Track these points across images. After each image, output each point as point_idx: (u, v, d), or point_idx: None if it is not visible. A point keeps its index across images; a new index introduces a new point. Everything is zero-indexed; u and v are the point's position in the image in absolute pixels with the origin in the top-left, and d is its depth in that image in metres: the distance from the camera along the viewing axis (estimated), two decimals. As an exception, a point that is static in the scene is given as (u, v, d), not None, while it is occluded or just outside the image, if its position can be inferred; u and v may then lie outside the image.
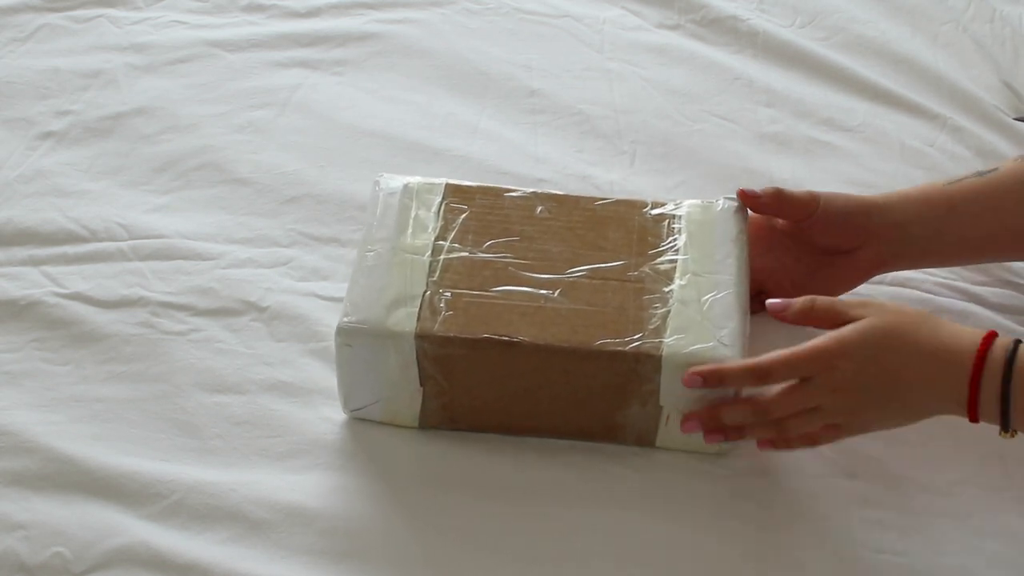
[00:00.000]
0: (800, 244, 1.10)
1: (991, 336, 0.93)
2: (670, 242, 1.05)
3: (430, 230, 1.04)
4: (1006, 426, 0.92)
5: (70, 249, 1.17)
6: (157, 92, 1.35)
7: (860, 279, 1.10)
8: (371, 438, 1.02)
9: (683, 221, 1.06)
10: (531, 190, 1.09)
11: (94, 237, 1.18)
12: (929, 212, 1.08)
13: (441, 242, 1.04)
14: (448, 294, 1.00)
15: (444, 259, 1.02)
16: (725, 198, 1.08)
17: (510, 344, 0.97)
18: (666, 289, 1.01)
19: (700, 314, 0.99)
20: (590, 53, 1.43)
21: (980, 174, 1.10)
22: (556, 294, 1.00)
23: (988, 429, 1.05)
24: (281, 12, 1.46)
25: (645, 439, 1.01)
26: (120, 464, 0.99)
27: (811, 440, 0.97)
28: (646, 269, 1.03)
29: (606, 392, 0.99)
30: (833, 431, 0.97)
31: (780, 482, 1.01)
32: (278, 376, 1.07)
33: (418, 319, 0.98)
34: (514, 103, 1.36)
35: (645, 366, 0.97)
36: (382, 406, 1.01)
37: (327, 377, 1.06)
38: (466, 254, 1.03)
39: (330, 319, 1.10)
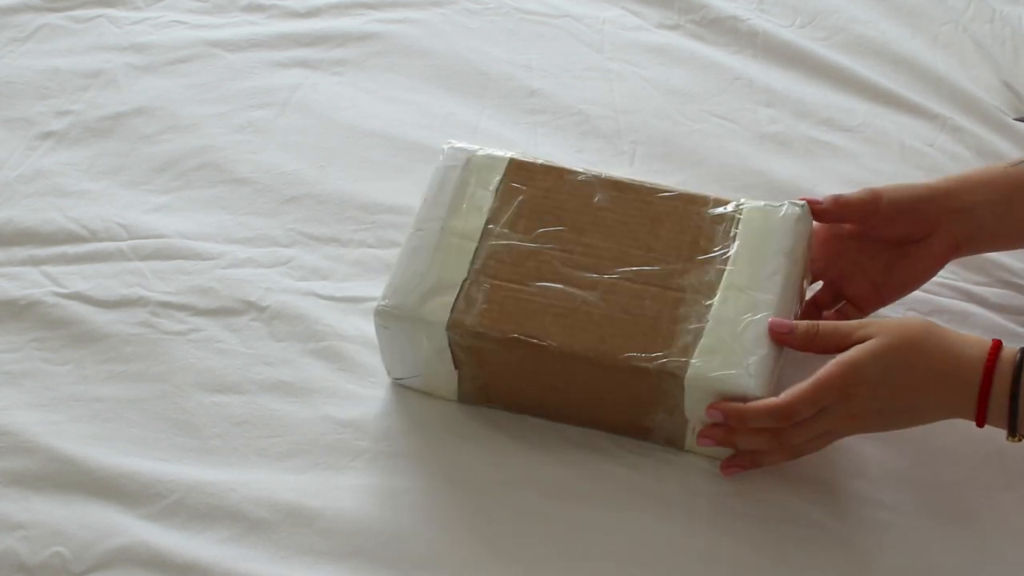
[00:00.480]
0: (871, 242, 1.09)
1: (997, 347, 0.93)
2: (721, 250, 1.02)
3: (484, 211, 1.03)
4: (1014, 431, 0.93)
5: (70, 249, 1.17)
6: (157, 92, 1.35)
7: (937, 266, 1.09)
8: (371, 438, 1.02)
9: (740, 226, 1.03)
10: (595, 172, 1.07)
11: (94, 237, 1.18)
12: (995, 195, 1.07)
13: (491, 226, 1.03)
14: (487, 285, 0.99)
15: (491, 245, 1.02)
16: (790, 203, 1.04)
17: (538, 346, 0.97)
18: (706, 303, 0.99)
19: (733, 336, 0.97)
20: (590, 53, 1.43)
21: None
22: (594, 296, 0.99)
23: (987, 429, 1.05)
24: (281, 12, 1.46)
25: (674, 442, 1.01)
26: (120, 464, 0.99)
27: (816, 444, 0.98)
28: (691, 278, 1.00)
29: (632, 399, 0.99)
30: (829, 440, 0.98)
31: (781, 482, 1.01)
32: (278, 376, 1.07)
33: (452, 310, 0.98)
34: (514, 103, 1.36)
35: (669, 384, 0.97)
36: (422, 380, 1.04)
37: (327, 377, 1.06)
38: (514, 242, 1.02)
39: (330, 318, 1.11)
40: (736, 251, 1.02)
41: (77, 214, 1.20)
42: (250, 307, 1.12)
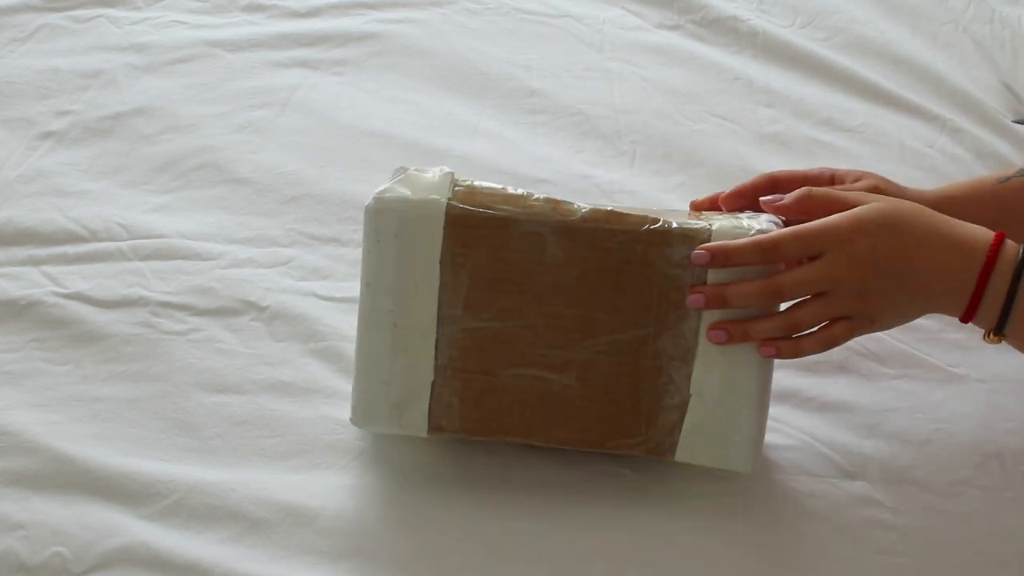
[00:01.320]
0: None
1: (1002, 235, 0.93)
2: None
3: (434, 291, 0.92)
4: (1000, 327, 0.91)
5: (70, 249, 1.17)
6: (157, 92, 1.35)
7: None
8: (371, 438, 1.02)
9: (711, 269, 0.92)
10: (541, 210, 0.92)
11: (94, 237, 1.18)
12: (982, 215, 1.06)
13: (446, 309, 0.93)
14: (457, 383, 0.94)
15: (451, 334, 0.93)
16: (759, 227, 0.94)
17: (522, 442, 0.97)
18: (685, 370, 0.93)
19: (717, 407, 0.94)
20: (590, 53, 1.44)
21: None
22: (570, 379, 0.94)
23: (987, 430, 1.05)
24: (281, 12, 1.46)
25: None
26: (120, 464, 0.99)
27: (823, 342, 0.94)
28: (666, 342, 0.93)
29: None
30: (844, 327, 0.94)
31: (781, 482, 1.01)
32: (278, 376, 1.06)
33: (428, 417, 0.95)
34: (514, 103, 1.36)
35: (657, 458, 0.97)
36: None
37: (327, 377, 1.06)
38: (474, 325, 0.93)
39: (330, 318, 1.10)
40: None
41: (77, 214, 1.20)
42: (250, 307, 1.12)
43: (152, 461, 0.99)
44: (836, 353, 1.10)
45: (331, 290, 1.14)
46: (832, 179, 1.09)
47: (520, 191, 0.94)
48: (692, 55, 1.43)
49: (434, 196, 0.92)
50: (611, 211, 0.93)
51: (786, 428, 1.04)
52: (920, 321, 1.14)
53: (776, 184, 1.07)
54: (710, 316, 0.93)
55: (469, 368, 0.94)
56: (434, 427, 0.95)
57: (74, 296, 1.12)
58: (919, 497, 1.01)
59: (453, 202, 0.92)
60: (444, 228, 0.92)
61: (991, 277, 0.91)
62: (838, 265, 0.92)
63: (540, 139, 1.32)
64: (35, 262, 1.15)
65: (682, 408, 0.94)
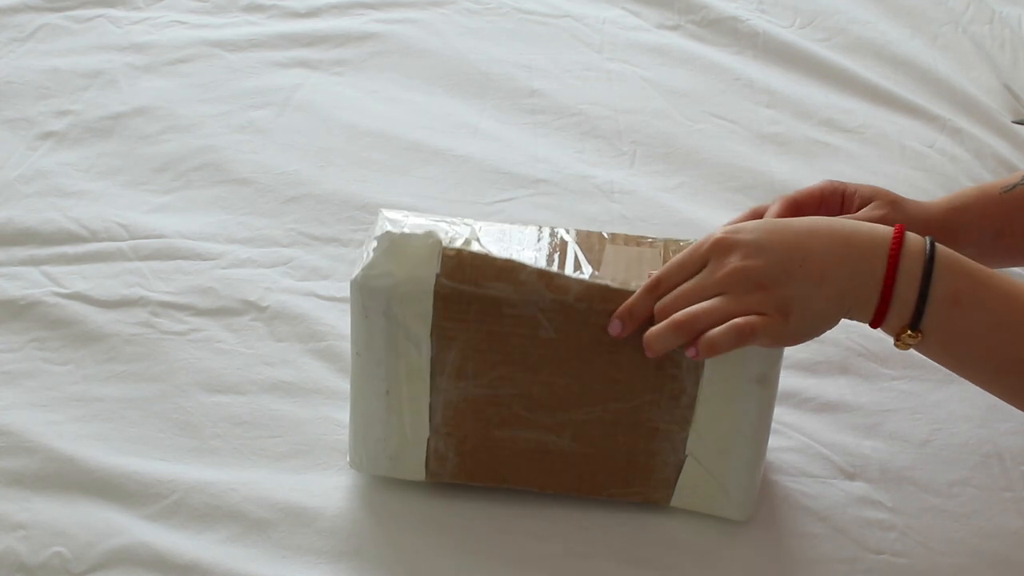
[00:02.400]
0: None
1: (902, 227, 0.88)
2: (690, 383, 0.91)
3: (425, 364, 0.91)
4: (918, 318, 0.86)
5: (70, 249, 1.17)
6: (157, 92, 1.35)
7: None
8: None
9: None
10: (534, 284, 0.89)
11: (94, 237, 1.18)
12: (988, 226, 1.06)
13: (438, 379, 0.91)
14: (453, 439, 0.94)
15: (445, 399, 0.92)
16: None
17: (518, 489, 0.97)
18: (681, 435, 0.93)
19: (711, 472, 0.94)
20: (590, 53, 1.44)
21: None
22: (565, 439, 0.93)
23: (987, 430, 1.05)
24: (281, 12, 1.47)
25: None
26: (120, 464, 0.99)
27: (733, 330, 0.86)
28: (662, 411, 0.92)
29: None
30: (761, 321, 0.87)
31: (781, 482, 1.01)
32: (278, 376, 1.06)
33: (426, 467, 0.96)
34: (514, 103, 1.36)
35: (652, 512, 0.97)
36: None
37: (327, 377, 1.06)
38: (468, 391, 0.92)
39: (330, 318, 1.10)
40: (705, 378, 0.90)
41: (77, 214, 1.20)
42: (250, 307, 1.12)
43: (152, 461, 0.99)
44: (836, 353, 1.10)
45: (331, 290, 1.14)
46: (842, 198, 1.07)
47: (514, 257, 0.90)
48: (692, 55, 1.43)
49: (422, 272, 0.89)
50: (606, 287, 0.89)
51: (786, 428, 1.04)
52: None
53: (800, 209, 1.04)
54: (707, 385, 0.90)
55: (463, 428, 0.94)
56: (432, 475, 0.96)
57: (74, 296, 1.12)
58: (918, 497, 1.01)
59: (442, 279, 0.89)
60: (433, 306, 0.89)
61: (901, 259, 0.86)
62: (718, 267, 0.88)
63: (540, 139, 1.32)
64: (35, 262, 1.15)
65: (678, 467, 0.94)
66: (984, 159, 1.32)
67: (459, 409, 0.93)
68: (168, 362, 1.07)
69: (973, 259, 0.98)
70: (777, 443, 1.02)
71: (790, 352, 1.03)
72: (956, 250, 0.95)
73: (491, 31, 1.45)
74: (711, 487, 0.95)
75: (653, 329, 0.88)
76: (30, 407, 1.03)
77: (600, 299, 0.89)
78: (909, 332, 0.87)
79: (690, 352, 0.87)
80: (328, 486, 0.98)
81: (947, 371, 1.10)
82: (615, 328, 0.89)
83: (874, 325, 0.89)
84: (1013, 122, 1.37)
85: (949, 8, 1.52)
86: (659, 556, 0.95)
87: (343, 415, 1.03)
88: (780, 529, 0.98)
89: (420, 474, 0.96)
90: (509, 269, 0.89)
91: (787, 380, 1.07)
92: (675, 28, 1.48)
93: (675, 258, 0.89)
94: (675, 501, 0.96)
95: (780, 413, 1.03)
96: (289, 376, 1.06)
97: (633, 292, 0.89)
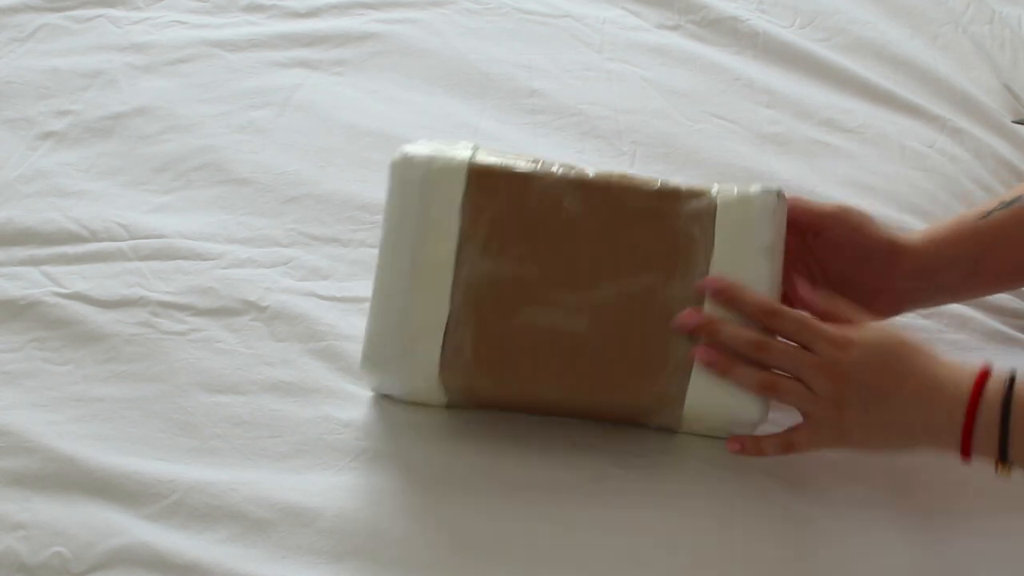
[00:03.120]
0: (815, 267, 1.06)
1: (987, 369, 0.93)
2: (703, 254, 0.98)
3: (453, 234, 0.97)
4: (1004, 455, 0.91)
5: (70, 249, 1.17)
6: (157, 92, 1.35)
7: (881, 315, 1.04)
8: (371, 439, 1.02)
9: (717, 222, 0.98)
10: (559, 168, 1.00)
11: (94, 237, 1.18)
12: (962, 256, 1.06)
13: (464, 250, 0.97)
14: (472, 325, 0.96)
15: (468, 276, 0.97)
16: (764, 189, 1.00)
17: (531, 395, 0.99)
18: None
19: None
20: (590, 53, 1.44)
21: (1006, 205, 1.07)
22: (582, 326, 0.97)
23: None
24: (281, 12, 1.46)
25: (669, 429, 1.02)
26: (120, 464, 0.99)
27: (784, 443, 0.97)
28: (675, 290, 0.97)
29: (628, 414, 1.01)
30: (807, 432, 0.96)
31: (780, 485, 1.01)
32: (278, 376, 1.06)
33: (440, 357, 0.96)
34: (514, 103, 1.36)
35: (666, 413, 0.99)
36: (408, 399, 1.03)
37: (327, 377, 1.06)
38: (491, 267, 0.97)
39: (330, 318, 1.10)
40: (716, 256, 0.98)
41: (77, 214, 1.20)
42: (250, 307, 1.12)
43: (152, 461, 0.99)
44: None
45: (331, 290, 1.14)
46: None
47: (539, 162, 1.00)
48: (692, 55, 1.43)
49: (457, 155, 0.99)
50: (623, 174, 1.01)
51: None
52: (920, 321, 1.14)
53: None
54: (718, 259, 0.97)
55: (484, 308, 0.96)
56: (445, 366, 0.96)
57: (74, 296, 1.12)
58: (919, 497, 1.01)
59: (475, 160, 0.99)
60: (466, 179, 0.97)
61: (980, 410, 0.91)
62: (824, 362, 0.94)
63: (540, 139, 1.32)
64: (35, 262, 1.15)
65: (691, 358, 0.96)
66: (984, 159, 1.32)
67: (480, 294, 0.96)
68: (168, 362, 1.07)
69: (952, 291, 1.04)
70: (777, 443, 1.02)
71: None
72: (934, 283, 1.01)
73: (491, 31, 1.45)
74: (726, 385, 0.96)
75: (739, 368, 0.96)
76: (30, 407, 1.03)
77: (619, 180, 1.00)
78: (1000, 468, 0.92)
79: (735, 447, 0.98)
80: (328, 486, 0.98)
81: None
82: (710, 285, 0.96)
83: (965, 457, 0.94)
84: (1013, 122, 1.37)
85: (949, 8, 1.52)
86: (658, 558, 0.95)
87: (343, 415, 1.03)
88: (781, 530, 0.98)
89: (433, 364, 0.96)
90: (536, 162, 1.00)
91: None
92: (675, 28, 1.48)
93: (801, 317, 0.96)
94: (691, 395, 0.96)
95: (781, 414, 1.03)
96: (289, 376, 1.06)
97: (649, 179, 1.00)
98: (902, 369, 0.93)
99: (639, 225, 0.98)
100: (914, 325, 1.14)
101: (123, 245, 1.17)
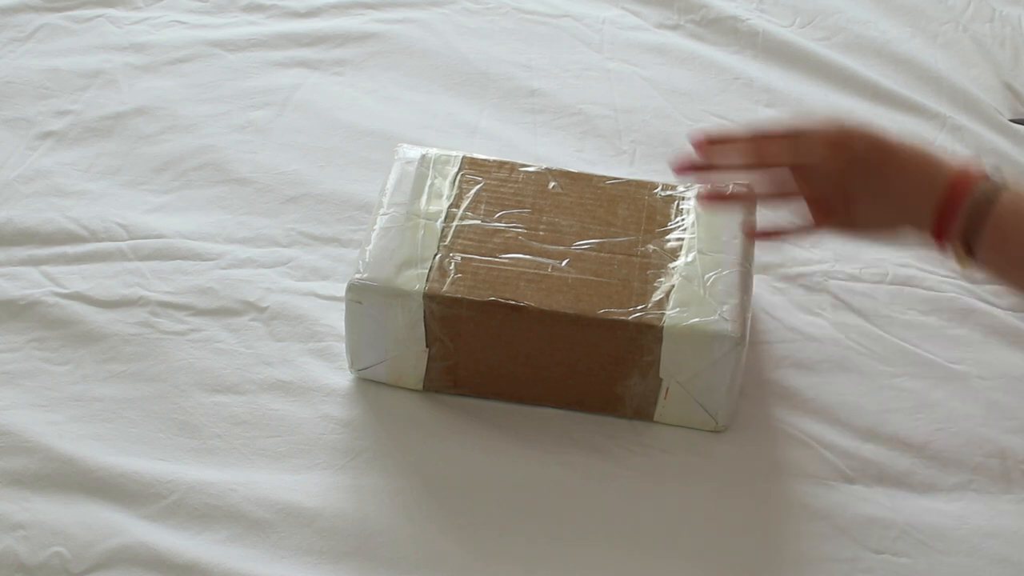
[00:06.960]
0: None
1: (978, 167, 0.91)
2: (678, 221, 1.08)
3: (445, 197, 1.08)
4: (971, 236, 0.89)
5: (70, 249, 1.17)
6: (157, 92, 1.35)
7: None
8: (371, 438, 1.02)
9: (692, 203, 1.09)
10: (545, 166, 1.12)
11: (94, 237, 1.18)
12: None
13: (454, 209, 1.07)
14: (458, 258, 1.03)
15: (456, 225, 1.06)
16: (735, 184, 1.04)
17: (515, 308, 1.00)
18: (671, 265, 1.03)
19: (703, 289, 1.01)
20: (590, 53, 1.44)
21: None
22: (563, 264, 1.03)
23: (988, 429, 1.05)
24: (281, 12, 1.46)
25: (644, 412, 1.03)
26: (120, 464, 0.99)
27: (802, 226, 0.95)
28: (653, 246, 1.05)
29: (607, 362, 1.01)
30: (820, 214, 0.94)
31: (778, 483, 1.01)
32: (278, 376, 1.07)
33: (427, 280, 1.01)
34: (514, 103, 1.36)
35: (646, 336, 0.99)
36: (388, 366, 1.04)
37: (327, 377, 1.06)
38: (478, 222, 1.06)
39: (330, 318, 1.11)
40: (692, 221, 1.07)
41: (77, 214, 1.20)
42: (250, 307, 1.12)
43: (152, 461, 0.99)
44: (836, 353, 1.10)
45: (331, 290, 1.14)
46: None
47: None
48: (692, 55, 1.43)
49: (453, 152, 1.13)
50: (603, 176, 1.13)
51: (786, 428, 1.04)
52: (921, 318, 1.14)
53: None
54: (696, 227, 1.06)
55: (469, 250, 1.04)
56: (431, 290, 1.00)
57: (74, 296, 1.12)
58: (919, 497, 1.01)
59: (470, 156, 1.13)
60: (460, 165, 1.11)
61: (968, 188, 0.88)
62: (816, 142, 0.93)
63: (540, 139, 1.32)
64: (35, 262, 1.15)
65: (669, 290, 1.01)
66: (984, 157, 1.32)
67: (468, 236, 1.05)
68: (168, 362, 1.07)
69: None
70: (778, 443, 1.02)
71: (790, 352, 1.03)
72: None
73: (491, 31, 1.45)
74: (704, 305, 1.00)
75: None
76: (30, 407, 1.03)
77: (599, 176, 1.12)
78: (963, 259, 0.89)
79: (748, 229, 1.03)
80: (327, 486, 0.99)
81: (949, 368, 1.11)
82: (697, 135, 0.97)
83: (937, 236, 0.90)
84: (1012, 120, 1.37)
85: (949, 7, 1.52)
86: (658, 558, 0.95)
87: (343, 415, 1.03)
88: (780, 529, 0.98)
89: (420, 285, 1.00)
90: (521, 164, 1.13)
91: (788, 380, 1.07)
92: (675, 28, 1.47)
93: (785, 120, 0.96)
94: (669, 319, 0.99)
95: (781, 413, 1.03)
96: (289, 376, 1.07)
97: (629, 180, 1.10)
98: (897, 143, 0.93)
99: (619, 202, 1.09)
100: (915, 322, 1.14)
101: (123, 245, 1.17)
